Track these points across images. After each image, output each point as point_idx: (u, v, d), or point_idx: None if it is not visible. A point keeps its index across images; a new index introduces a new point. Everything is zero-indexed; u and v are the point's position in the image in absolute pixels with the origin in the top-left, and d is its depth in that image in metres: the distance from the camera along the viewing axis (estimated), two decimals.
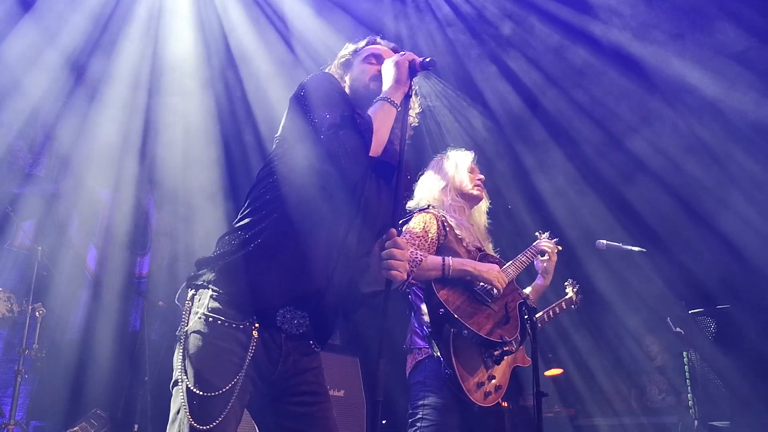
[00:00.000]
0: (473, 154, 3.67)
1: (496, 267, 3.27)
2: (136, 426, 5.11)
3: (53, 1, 5.57)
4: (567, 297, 4.10)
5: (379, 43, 2.50)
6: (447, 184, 3.50)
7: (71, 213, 6.22)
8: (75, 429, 4.93)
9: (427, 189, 3.53)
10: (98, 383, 5.35)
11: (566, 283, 4.18)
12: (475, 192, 3.52)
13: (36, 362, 5.02)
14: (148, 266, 6.78)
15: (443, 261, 3.14)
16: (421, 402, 3.10)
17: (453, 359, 3.04)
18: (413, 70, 2.22)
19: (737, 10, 5.36)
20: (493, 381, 3.14)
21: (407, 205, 3.44)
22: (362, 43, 2.51)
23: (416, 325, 3.28)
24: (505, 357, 3.19)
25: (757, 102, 5.54)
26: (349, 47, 2.52)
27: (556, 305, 4.06)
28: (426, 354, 3.17)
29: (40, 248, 5.13)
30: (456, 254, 3.25)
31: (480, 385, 3.08)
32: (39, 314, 4.88)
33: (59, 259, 5.83)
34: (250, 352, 2.03)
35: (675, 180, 6.19)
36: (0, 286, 5.04)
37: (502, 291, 3.23)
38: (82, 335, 5.78)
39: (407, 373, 3.28)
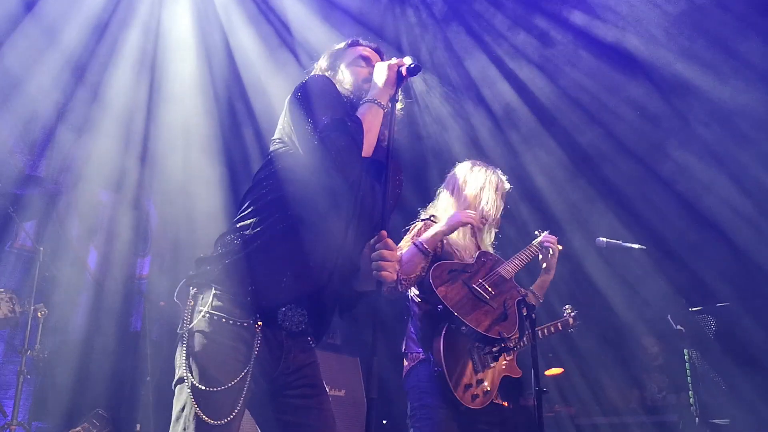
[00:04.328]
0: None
1: (458, 213, 3.30)
2: (138, 426, 5.12)
3: (55, 1, 5.58)
4: (563, 319, 4.05)
5: (361, 45, 2.56)
6: (473, 205, 3.44)
7: (72, 214, 6.23)
8: (77, 429, 4.94)
9: (447, 201, 3.51)
10: (100, 384, 5.35)
11: (566, 308, 4.13)
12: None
13: (38, 363, 5.03)
14: (149, 267, 6.79)
15: (414, 244, 3.18)
16: (417, 404, 3.17)
17: (443, 360, 3.08)
18: (400, 76, 2.31)
19: None
20: (482, 384, 3.18)
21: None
22: (343, 45, 2.57)
23: (412, 330, 3.34)
24: (495, 364, 3.22)
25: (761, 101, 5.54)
26: (332, 50, 2.58)
27: (551, 325, 4.03)
28: (420, 358, 3.22)
29: (42, 249, 5.14)
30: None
31: (468, 387, 3.12)
32: (41, 315, 4.88)
33: (60, 259, 5.84)
34: (255, 350, 2.07)
35: (676, 178, 6.19)
36: (2, 287, 5.05)
37: (479, 224, 3.28)
38: (83, 336, 5.78)
39: (404, 376, 3.33)
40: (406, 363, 3.31)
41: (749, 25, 5.35)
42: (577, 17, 5.87)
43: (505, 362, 3.30)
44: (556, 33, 6.02)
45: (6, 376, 5.38)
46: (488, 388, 3.18)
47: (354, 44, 2.57)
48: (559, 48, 6.11)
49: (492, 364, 3.22)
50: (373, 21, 6.16)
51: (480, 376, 3.16)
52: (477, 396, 3.13)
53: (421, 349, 3.23)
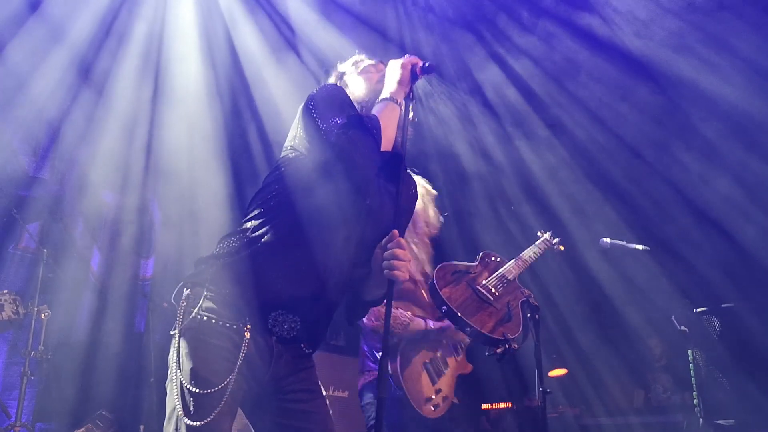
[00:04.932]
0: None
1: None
2: (141, 427, 5.13)
3: (60, 1, 5.58)
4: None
5: (366, 59, 2.60)
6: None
7: (75, 215, 6.23)
8: (81, 430, 4.95)
9: None
10: (104, 385, 5.36)
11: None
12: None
13: (42, 364, 5.03)
14: (152, 269, 6.80)
15: (425, 324, 3.30)
16: (372, 423, 3.22)
17: (402, 381, 3.14)
18: (414, 74, 2.31)
19: None
20: (440, 393, 3.25)
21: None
22: (349, 62, 2.60)
23: (366, 349, 3.39)
24: (447, 369, 3.31)
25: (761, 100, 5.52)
26: (339, 67, 2.61)
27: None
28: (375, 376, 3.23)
29: (45, 250, 5.15)
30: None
31: (428, 400, 3.19)
32: (44, 316, 4.89)
33: (64, 261, 5.84)
34: (242, 352, 2.05)
35: (680, 178, 6.18)
36: (6, 288, 5.05)
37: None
38: (87, 337, 5.79)
39: (359, 392, 3.38)
40: (361, 380, 3.36)
41: (750, 23, 5.34)
42: (581, 18, 5.87)
43: (456, 362, 3.34)
44: (560, 33, 6.01)
45: (10, 378, 5.39)
46: (446, 394, 3.28)
47: (358, 61, 2.59)
48: (562, 48, 6.10)
49: (445, 370, 3.29)
50: (376, 20, 6.16)
51: (437, 386, 3.25)
52: (438, 405, 3.23)
53: (377, 367, 3.21)
